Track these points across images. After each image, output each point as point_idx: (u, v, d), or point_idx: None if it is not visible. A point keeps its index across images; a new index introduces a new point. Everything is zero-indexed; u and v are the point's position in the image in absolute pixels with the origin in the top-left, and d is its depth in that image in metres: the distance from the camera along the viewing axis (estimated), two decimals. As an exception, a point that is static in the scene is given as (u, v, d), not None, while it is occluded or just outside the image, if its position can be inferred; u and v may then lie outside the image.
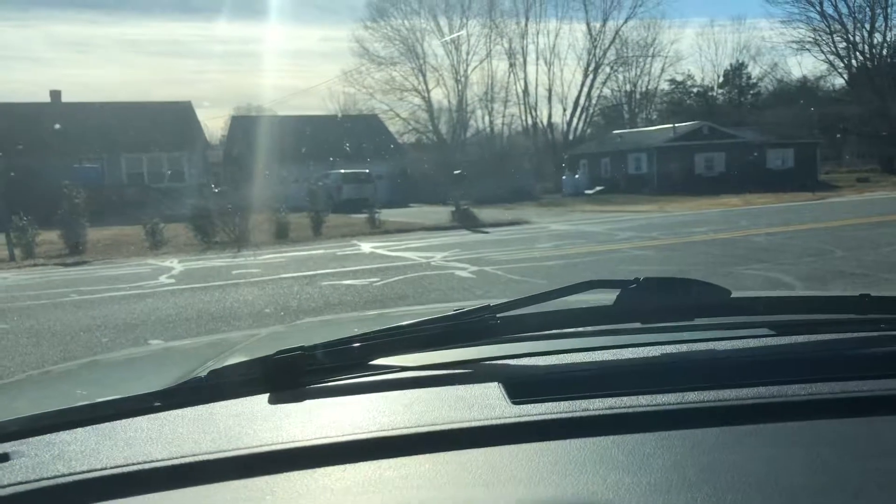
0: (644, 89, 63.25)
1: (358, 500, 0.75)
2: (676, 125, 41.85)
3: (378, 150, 41.14)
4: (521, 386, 1.00)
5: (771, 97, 59.99)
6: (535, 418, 0.89)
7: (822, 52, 48.93)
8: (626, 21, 57.18)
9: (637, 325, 1.20)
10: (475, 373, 1.08)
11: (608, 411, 0.91)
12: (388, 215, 23.24)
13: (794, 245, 12.31)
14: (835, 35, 47.44)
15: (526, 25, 55.71)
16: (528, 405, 0.93)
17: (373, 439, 0.87)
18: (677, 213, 22.19)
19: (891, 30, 46.01)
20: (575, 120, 57.22)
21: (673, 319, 1.21)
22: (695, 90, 66.75)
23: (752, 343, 1.18)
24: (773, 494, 0.71)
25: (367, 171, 35.51)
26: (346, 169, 34.74)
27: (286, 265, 13.20)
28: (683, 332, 1.22)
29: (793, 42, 50.97)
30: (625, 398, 0.94)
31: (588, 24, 57.44)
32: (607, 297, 1.16)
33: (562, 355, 1.14)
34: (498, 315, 1.13)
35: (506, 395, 0.96)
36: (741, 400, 0.94)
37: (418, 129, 55.20)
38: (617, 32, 56.90)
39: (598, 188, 39.18)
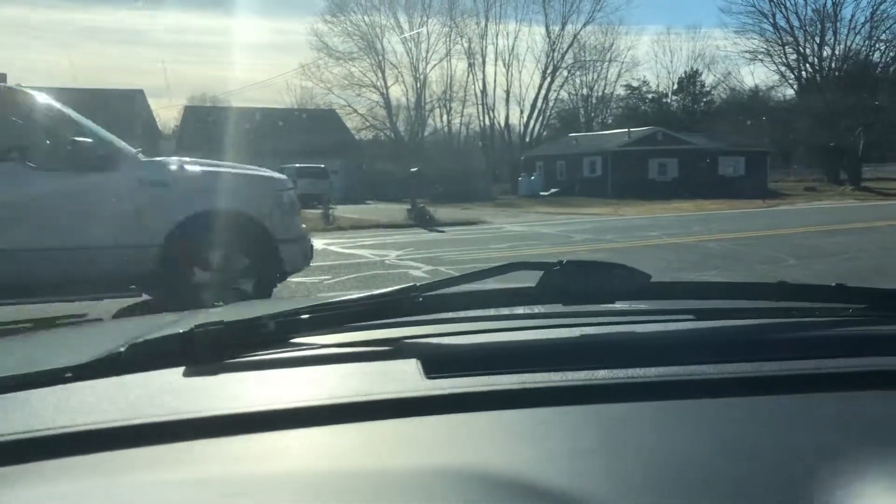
0: (600, 94, 63.82)
1: (259, 467, 0.76)
2: (631, 130, 42.20)
3: (335, 146, 40.66)
4: (437, 362, 1.00)
5: (723, 105, 60.93)
6: (445, 391, 0.90)
7: (774, 62, 49.71)
8: (584, 25, 57.51)
9: (559, 306, 1.21)
10: (394, 350, 1.09)
11: (517, 386, 0.91)
12: (344, 211, 22.85)
13: (747, 252, 12.30)
14: (786, 47, 48.21)
15: (486, 26, 55.73)
16: (442, 380, 0.94)
17: (280, 410, 0.86)
18: (632, 217, 22.21)
19: (839, 44, 46.92)
20: (532, 122, 57.40)
21: (594, 302, 1.23)
22: (650, 96, 67.58)
23: (669, 326, 1.21)
24: (668, 462, 0.74)
25: (323, 166, 35.01)
26: (301, 163, 34.19)
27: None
28: (603, 315, 1.25)
29: (746, 52, 51.57)
30: (537, 374, 0.95)
31: (547, 27, 57.65)
32: (533, 278, 1.16)
33: (480, 334, 1.15)
34: (422, 294, 1.13)
35: (421, 371, 0.97)
36: (649, 378, 0.95)
37: (376, 125, 54.80)
38: (575, 36, 57.23)
39: (554, 190, 39.29)
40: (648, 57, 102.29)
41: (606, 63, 60.27)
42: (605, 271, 1.15)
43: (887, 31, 44.96)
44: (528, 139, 55.72)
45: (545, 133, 58.56)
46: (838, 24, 46.51)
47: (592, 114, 63.87)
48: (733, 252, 12.41)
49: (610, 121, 62.83)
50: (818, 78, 46.83)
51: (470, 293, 1.24)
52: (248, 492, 0.70)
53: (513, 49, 57.99)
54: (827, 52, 47.03)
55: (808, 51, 47.50)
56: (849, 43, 46.55)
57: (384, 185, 37.20)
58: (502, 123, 57.73)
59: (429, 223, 19.65)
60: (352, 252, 13.51)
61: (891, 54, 45.19)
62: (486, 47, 56.07)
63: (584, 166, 41.51)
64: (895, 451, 0.75)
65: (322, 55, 51.79)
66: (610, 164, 39.58)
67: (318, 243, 14.96)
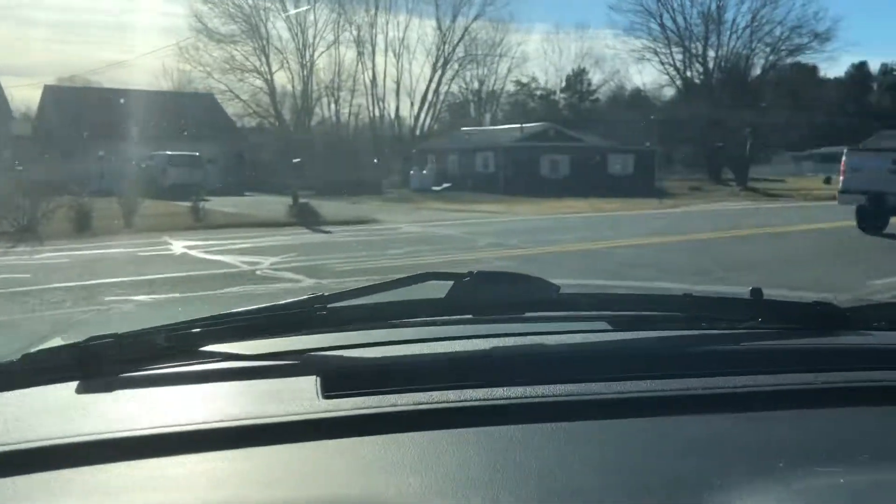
0: (491, 89, 62.77)
1: (133, 501, 0.73)
2: (524, 126, 41.07)
3: (213, 133, 37.55)
4: (337, 379, 0.97)
5: (611, 104, 61.02)
6: (339, 414, 0.87)
7: (661, 62, 49.80)
8: (475, 19, 56.09)
9: (469, 318, 1.20)
10: (294, 365, 1.04)
11: (414, 407, 0.89)
12: (220, 205, 20.34)
13: (670, 261, 11.00)
14: (673, 47, 48.36)
15: (375, 14, 53.48)
16: (339, 399, 0.90)
17: (162, 435, 0.83)
18: (530, 217, 20.71)
19: (722, 47, 47.38)
20: (422, 115, 55.70)
21: (505, 313, 1.21)
22: (539, 93, 67.15)
23: (576, 339, 1.19)
24: (549, 495, 0.72)
25: (198, 153, 32.03)
26: (173, 150, 31.07)
27: (67, 269, 10.33)
28: (513, 326, 1.22)
29: (634, 51, 51.18)
30: (435, 393, 0.93)
31: (438, 19, 55.96)
32: (443, 289, 1.14)
33: (385, 347, 1.12)
34: (329, 305, 1.11)
35: (319, 389, 0.93)
36: (543, 397, 0.93)
37: (260, 112, 51.61)
38: (466, 29, 55.81)
39: (446, 185, 37.73)
40: (538, 53, 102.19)
41: (497, 58, 59.20)
42: (515, 282, 1.14)
43: (767, 36, 45.65)
44: (418, 132, 54.00)
45: (436, 126, 57.03)
46: (721, 26, 46.91)
47: (483, 108, 62.73)
48: (655, 261, 11.04)
49: (500, 116, 61.92)
50: (703, 79, 47.17)
51: (377, 305, 1.18)
52: None
53: (403, 40, 55.56)
54: (711, 53, 47.47)
55: (693, 52, 47.84)
56: (731, 46, 47.08)
57: (267, 176, 34.50)
58: (392, 115, 55.78)
59: (313, 221, 17.40)
60: (217, 258, 11.20)
61: (771, 58, 45.94)
62: (375, 36, 53.92)
63: (476, 161, 40.10)
64: (769, 476, 0.74)
65: (201, 37, 48.23)
66: (503, 160, 38.28)
67: (178, 246, 12.70)
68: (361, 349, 1.11)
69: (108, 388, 0.96)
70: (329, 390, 0.93)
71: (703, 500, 0.68)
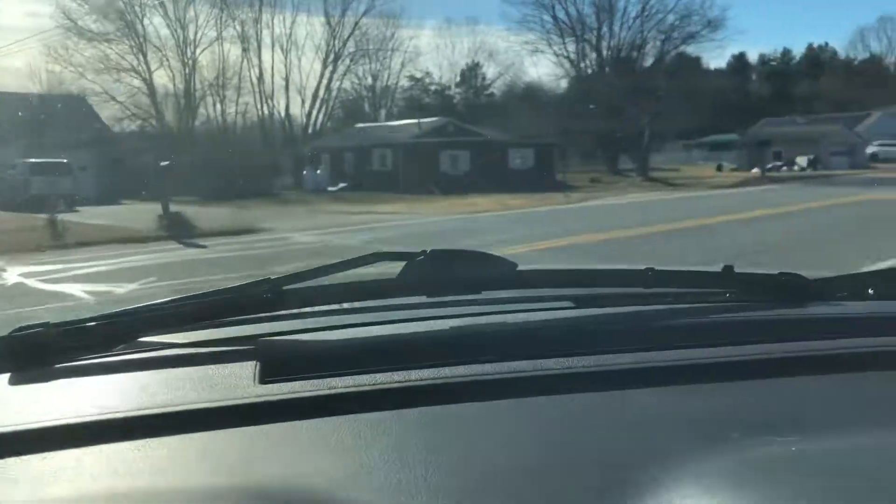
0: (385, 84, 60.94)
1: (48, 491, 0.71)
2: (422, 121, 39.47)
3: (85, 138, 34.22)
4: (276, 364, 0.96)
5: (508, 98, 60.26)
6: (273, 398, 0.86)
7: (556, 54, 49.05)
8: (365, 13, 54.02)
9: (423, 298, 1.17)
10: (235, 351, 1.02)
11: (352, 389, 0.88)
12: (90, 216, 17.86)
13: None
14: (566, 39, 47.68)
15: (260, 9, 50.67)
16: (277, 384, 0.89)
17: (82, 424, 0.82)
18: (435, 218, 19.00)
19: (614, 37, 46.99)
20: (315, 112, 53.19)
21: (460, 292, 1.19)
22: (433, 88, 65.88)
23: (531, 316, 1.16)
24: (483, 473, 0.71)
25: (66, 160, 28.86)
26: (39, 158, 27.86)
27: None
28: (467, 305, 1.20)
29: (527, 43, 50.23)
30: (378, 375, 0.91)
31: (326, 14, 53.60)
32: (396, 269, 1.12)
33: (332, 330, 1.10)
34: (278, 288, 1.08)
35: (257, 374, 0.93)
36: (489, 375, 0.91)
37: (139, 114, 47.94)
38: (356, 24, 53.67)
39: (342, 185, 35.74)
40: (431, 48, 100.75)
41: (389, 53, 57.35)
42: (471, 260, 1.12)
43: (658, 25, 45.49)
44: (311, 130, 51.56)
45: (329, 124, 54.72)
46: (613, 17, 46.51)
47: (378, 104, 60.83)
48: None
49: (395, 112, 60.22)
50: (597, 71, 46.70)
51: (326, 287, 1.15)
52: None
53: (290, 35, 52.93)
54: (605, 45, 47.01)
55: (589, 41, 47.25)
56: (623, 36, 46.74)
57: (145, 182, 31.60)
58: (283, 113, 53.07)
59: (187, 234, 15.02)
60: (57, 289, 8.98)
61: (665, 47, 45.83)
62: (261, 31, 51.08)
63: (373, 159, 38.23)
64: (723, 447, 0.73)
65: (72, 35, 44.31)
66: (401, 157, 36.56)
67: (13, 273, 10.26)
68: (306, 333, 1.09)
69: (43, 378, 0.94)
70: (267, 375, 0.91)
71: (648, 471, 0.67)
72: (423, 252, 1.11)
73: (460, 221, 17.57)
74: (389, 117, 54.74)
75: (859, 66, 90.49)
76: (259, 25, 50.43)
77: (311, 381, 0.90)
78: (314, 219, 19.79)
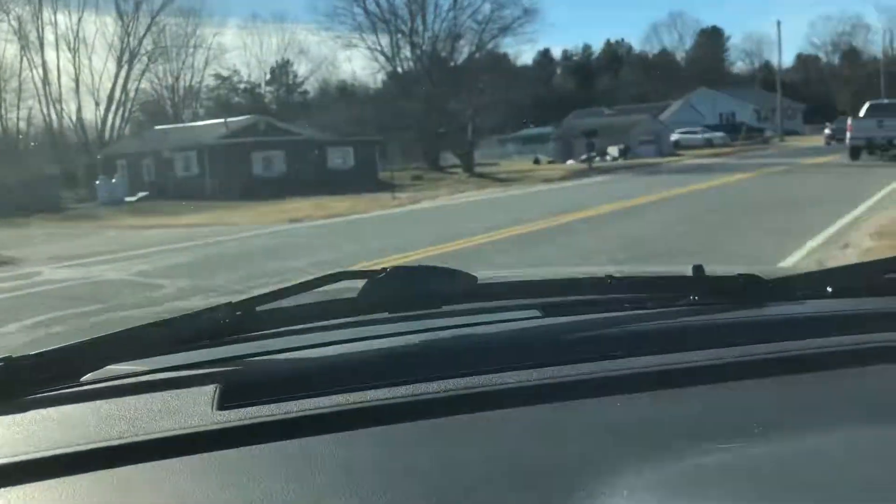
0: (189, 84, 56.06)
1: None
2: (229, 120, 35.77)
3: None
4: (233, 390, 0.94)
5: (323, 95, 57.41)
6: (227, 426, 0.85)
7: (369, 49, 46.56)
8: (161, 8, 49.12)
9: (384, 315, 1.17)
10: (194, 377, 1.01)
11: (305, 413, 0.88)
12: None
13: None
14: (379, 33, 45.33)
15: (40, 4, 44.50)
16: (233, 411, 0.88)
17: (34, 460, 0.80)
18: (249, 231, 15.97)
19: (428, 31, 45.22)
20: (111, 116, 47.75)
21: (420, 308, 1.19)
22: (242, 86, 61.82)
23: (488, 329, 1.17)
24: (426, 492, 0.71)
25: None
26: None
27: None
28: (427, 320, 1.20)
29: (339, 38, 47.34)
30: (336, 396, 0.91)
31: (118, 9, 48.15)
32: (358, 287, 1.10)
33: (291, 353, 1.09)
34: (236, 312, 1.07)
35: (216, 401, 0.91)
36: (439, 393, 0.91)
37: None
38: (153, 20, 48.68)
39: (143, 194, 31.53)
40: (237, 44, 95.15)
41: (191, 50, 52.63)
42: (430, 275, 1.12)
43: (472, 18, 44.16)
44: (108, 136, 46.07)
45: (128, 128, 49.37)
46: (426, 10, 44.72)
47: (182, 105, 55.81)
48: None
49: (203, 113, 55.56)
50: (413, 65, 44.76)
51: (285, 309, 1.14)
52: None
53: (78, 32, 47.02)
54: (420, 38, 45.07)
55: (401, 36, 45.14)
56: (438, 29, 45.07)
57: None
58: (73, 118, 47.06)
59: None
60: None
61: (482, 38, 44.51)
62: (42, 28, 44.91)
63: (177, 164, 34.18)
64: (675, 454, 0.73)
65: None
66: (208, 160, 32.80)
67: None
68: (264, 356, 1.08)
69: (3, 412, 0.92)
70: (225, 401, 0.90)
71: (586, 482, 0.67)
72: (384, 270, 1.09)
73: (275, 235, 14.70)
74: (196, 119, 50.14)
75: (654, 60, 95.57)
76: (39, 21, 44.39)
77: (269, 405, 0.88)
78: (96, 239, 16.08)
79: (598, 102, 70.61)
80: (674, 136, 46.59)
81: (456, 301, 1.19)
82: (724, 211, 13.62)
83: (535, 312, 1.23)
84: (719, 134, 50.54)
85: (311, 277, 1.12)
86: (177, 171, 34.00)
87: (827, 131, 38.80)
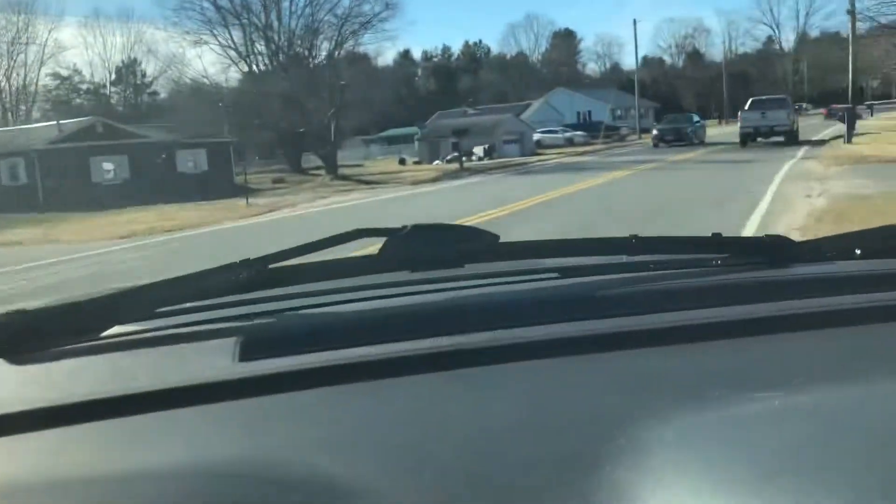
0: (22, 83, 50.63)
1: (19, 471, 0.70)
2: (62, 122, 31.94)
3: None
4: (254, 343, 0.94)
5: (174, 95, 53.33)
6: (248, 375, 0.84)
7: (221, 45, 43.23)
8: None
9: (405, 274, 1.15)
10: (214, 332, 1.01)
11: (327, 363, 0.86)
12: None
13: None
14: (231, 28, 42.15)
15: None
16: (253, 363, 0.87)
17: (52, 408, 0.80)
18: (78, 253, 13.17)
19: (283, 27, 42.49)
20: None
21: (443, 267, 1.16)
22: (85, 87, 56.67)
23: (513, 287, 1.15)
24: (445, 442, 0.69)
25: None
26: None
27: None
28: (449, 277, 1.18)
29: (188, 34, 43.56)
30: (359, 349, 0.89)
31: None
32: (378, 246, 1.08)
33: (312, 309, 1.08)
34: (256, 269, 1.06)
35: (237, 354, 0.90)
36: (465, 345, 0.90)
37: None
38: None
39: (-43, 207, 27.31)
40: (78, 42, 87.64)
41: (22, 47, 47.41)
42: (452, 233, 1.11)
43: (331, 13, 41.84)
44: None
45: (-54, 132, 43.64)
46: (281, 4, 42.01)
47: (13, 107, 50.30)
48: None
49: (39, 116, 50.30)
50: (269, 63, 41.97)
51: (305, 266, 1.12)
52: None
53: None
54: (276, 34, 42.27)
55: (256, 32, 42.16)
56: (294, 25, 42.49)
57: None
58: None
59: None
60: None
61: (343, 32, 42.17)
62: None
63: (1, 172, 29.91)
64: (706, 404, 0.71)
65: None
66: (38, 167, 29.00)
67: None
68: (285, 312, 1.07)
69: (15, 363, 0.93)
70: (246, 354, 0.89)
71: (625, 431, 0.65)
72: (405, 227, 1.06)
73: (95, 260, 12.08)
74: (30, 121, 45.12)
75: (512, 61, 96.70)
76: None
77: (290, 358, 0.87)
78: None
79: (459, 103, 70.26)
80: (536, 136, 46.40)
81: (478, 260, 1.17)
82: (624, 215, 12.34)
83: (560, 272, 1.20)
84: (580, 133, 50.87)
85: (332, 235, 1.08)
86: (1, 180, 29.92)
87: (654, 132, 36.33)
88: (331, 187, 26.51)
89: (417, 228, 1.07)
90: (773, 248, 1.22)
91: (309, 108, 34.84)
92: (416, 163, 40.86)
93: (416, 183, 24.63)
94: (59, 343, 0.98)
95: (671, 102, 77.10)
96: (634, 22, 58.03)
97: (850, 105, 28.35)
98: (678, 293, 1.08)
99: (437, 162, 38.58)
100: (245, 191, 26.62)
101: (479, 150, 39.89)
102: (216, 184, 28.89)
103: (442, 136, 40.63)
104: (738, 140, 29.26)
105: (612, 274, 1.18)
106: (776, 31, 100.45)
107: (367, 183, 27.34)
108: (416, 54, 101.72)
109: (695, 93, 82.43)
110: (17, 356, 0.95)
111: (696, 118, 37.57)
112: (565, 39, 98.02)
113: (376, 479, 0.61)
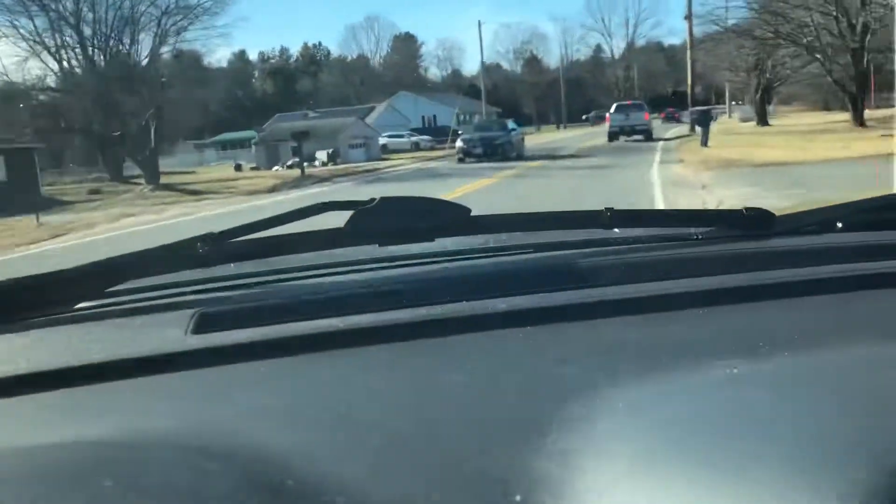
0: None
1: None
2: None
3: None
4: (210, 316, 0.92)
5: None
6: (199, 346, 0.83)
7: (25, 39, 37.47)
8: None
9: (374, 247, 1.13)
10: (169, 304, 1.01)
11: (284, 335, 0.84)
12: None
13: None
14: (35, 20, 36.55)
15: None
16: (207, 335, 0.87)
17: (8, 378, 0.80)
18: None
19: (97, 17, 37.46)
20: None
21: (412, 240, 1.14)
22: None
23: (482, 261, 1.15)
24: (392, 410, 0.68)
25: None
26: None
27: None
28: (417, 250, 1.18)
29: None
30: (320, 321, 0.88)
31: None
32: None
33: (273, 283, 1.08)
34: (217, 242, 1.03)
35: (191, 327, 0.89)
36: (426, 316, 0.88)
37: None
38: None
39: None
40: None
41: None
42: (421, 206, 1.07)
43: (153, 5, 37.31)
44: None
45: None
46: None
47: None
48: None
49: None
50: (83, 60, 36.84)
51: (269, 238, 1.09)
52: None
53: None
54: (88, 26, 37.17)
55: (64, 23, 36.84)
56: (111, 18, 37.55)
57: None
58: None
59: None
60: None
61: (166, 29, 37.68)
62: None
63: None
64: (663, 373, 0.69)
65: None
66: None
67: None
68: (246, 287, 1.07)
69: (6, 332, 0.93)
70: (201, 327, 0.88)
71: (578, 397, 0.64)
72: (372, 199, 1.03)
73: None
74: None
75: (353, 63, 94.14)
76: None
77: (245, 330, 0.85)
78: None
79: (300, 105, 67.01)
80: (382, 140, 44.24)
81: (448, 233, 1.14)
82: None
83: (534, 247, 1.19)
84: (426, 137, 49.37)
85: (296, 208, 1.05)
86: None
87: (459, 143, 27.91)
88: (148, 200, 22.24)
89: (386, 201, 1.03)
90: (752, 221, 1.19)
91: (126, 110, 30.43)
92: (253, 169, 37.65)
93: (250, 193, 21.18)
94: (16, 318, 0.97)
95: (513, 108, 77.43)
96: (479, 23, 56.93)
97: (706, 109, 28.23)
98: (651, 265, 1.05)
99: (276, 168, 35.73)
100: (51, 204, 22.19)
101: (322, 155, 37.35)
102: (17, 196, 24.19)
103: (281, 140, 37.59)
104: (574, 151, 29.20)
105: (586, 248, 1.15)
106: (608, 39, 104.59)
107: (194, 193, 23.44)
108: (253, 55, 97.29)
109: (534, 98, 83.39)
110: (11, 326, 0.95)
111: (511, 125, 28.92)
112: (406, 43, 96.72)
113: (324, 448, 0.60)
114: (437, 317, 0.87)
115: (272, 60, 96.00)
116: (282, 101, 73.42)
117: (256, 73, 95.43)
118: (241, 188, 23.20)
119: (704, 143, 23.15)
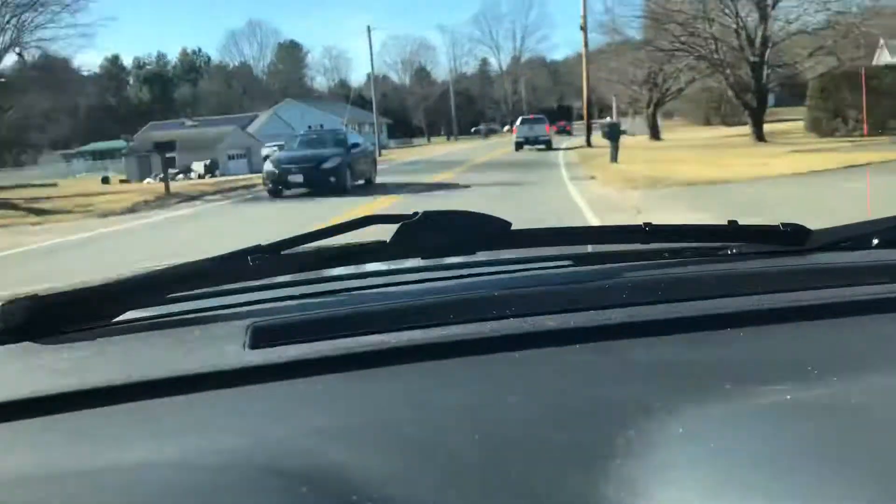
0: None
1: (17, 458, 0.68)
2: None
3: None
4: (265, 331, 0.91)
5: None
6: (258, 363, 0.82)
7: None
8: None
9: (417, 261, 1.15)
10: (224, 318, 0.99)
11: (339, 352, 0.84)
12: None
13: None
14: None
15: None
16: (264, 350, 0.86)
17: (58, 395, 0.77)
18: None
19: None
20: None
21: (454, 254, 1.17)
22: None
23: (527, 275, 1.15)
24: (459, 428, 0.67)
25: None
26: None
27: None
28: (462, 265, 1.18)
29: None
30: (369, 337, 0.87)
31: None
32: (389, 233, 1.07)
33: (323, 297, 1.08)
34: (267, 255, 1.04)
35: (247, 342, 0.88)
36: (478, 334, 0.87)
37: None
38: None
39: None
40: None
41: None
42: (464, 220, 1.07)
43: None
44: None
45: None
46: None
47: None
48: None
49: None
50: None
51: (317, 252, 1.12)
52: None
53: None
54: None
55: None
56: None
57: None
58: None
59: None
60: None
61: (22, 38, 33.14)
62: None
63: None
64: (716, 396, 0.69)
65: None
66: None
67: None
68: (297, 299, 1.06)
69: (27, 350, 0.91)
70: (257, 342, 0.87)
71: (637, 422, 0.63)
72: (416, 213, 1.03)
73: None
74: None
75: (235, 71, 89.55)
76: None
77: (300, 345, 0.85)
78: None
79: (178, 113, 62.52)
80: (265, 150, 40.96)
81: (491, 247, 1.15)
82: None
83: (573, 260, 1.20)
84: (315, 148, 46.13)
85: (343, 222, 1.06)
86: None
87: (268, 166, 17.93)
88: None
89: (429, 214, 1.04)
90: (789, 237, 1.19)
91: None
92: (122, 181, 33.97)
93: (103, 214, 17.63)
94: (70, 328, 0.96)
95: (402, 119, 75.36)
96: (369, 28, 54.19)
97: (614, 121, 26.60)
98: (693, 282, 1.05)
99: (148, 180, 32.41)
100: None
101: (199, 167, 34.09)
102: None
103: (153, 150, 33.93)
104: (474, 166, 27.40)
105: (626, 262, 1.15)
106: (496, 52, 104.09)
107: (39, 213, 19.49)
108: (128, 61, 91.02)
109: (424, 110, 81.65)
110: (30, 342, 0.94)
111: (354, 138, 20.45)
112: (291, 51, 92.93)
113: (388, 467, 0.60)
114: (491, 335, 0.86)
115: (148, 66, 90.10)
116: (159, 108, 68.77)
117: (131, 80, 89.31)
118: (99, 207, 19.54)
119: (614, 158, 21.51)
